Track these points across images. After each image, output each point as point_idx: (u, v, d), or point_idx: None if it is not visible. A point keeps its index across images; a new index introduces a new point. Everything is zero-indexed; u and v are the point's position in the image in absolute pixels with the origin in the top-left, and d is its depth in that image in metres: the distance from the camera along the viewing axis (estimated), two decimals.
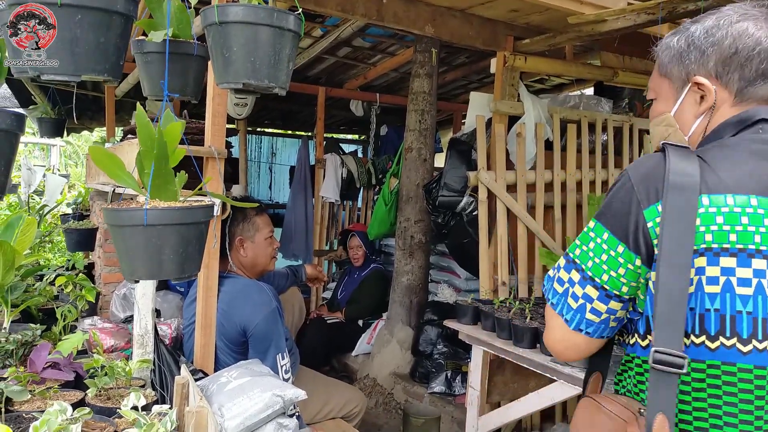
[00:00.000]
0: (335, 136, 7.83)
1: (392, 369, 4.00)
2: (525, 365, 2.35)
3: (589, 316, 1.05)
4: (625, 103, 3.83)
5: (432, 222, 3.69)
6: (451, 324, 2.75)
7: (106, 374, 1.92)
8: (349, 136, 8.56)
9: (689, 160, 1.00)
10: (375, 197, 5.63)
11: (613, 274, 1.02)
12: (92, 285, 2.76)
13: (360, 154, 7.00)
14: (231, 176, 5.43)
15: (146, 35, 1.68)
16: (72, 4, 1.14)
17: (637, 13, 2.44)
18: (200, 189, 1.57)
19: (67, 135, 6.72)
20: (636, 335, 1.06)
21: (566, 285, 1.08)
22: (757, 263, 0.95)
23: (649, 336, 1.03)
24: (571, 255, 1.09)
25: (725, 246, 0.96)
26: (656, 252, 0.98)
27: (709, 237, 0.96)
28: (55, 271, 3.24)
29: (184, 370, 2.03)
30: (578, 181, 3.28)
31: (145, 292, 2.18)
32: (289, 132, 8.03)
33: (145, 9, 1.64)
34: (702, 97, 1.09)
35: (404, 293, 4.09)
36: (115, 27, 1.22)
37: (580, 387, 2.11)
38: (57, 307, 2.46)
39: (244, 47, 1.21)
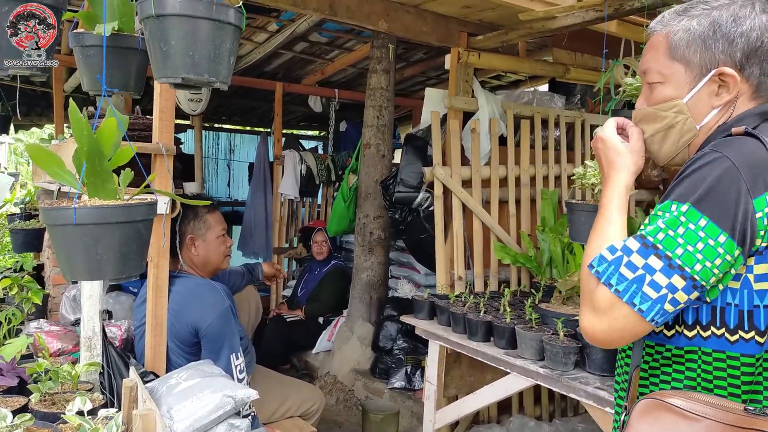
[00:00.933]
0: (294, 132, 7.77)
1: (353, 366, 3.99)
2: (479, 358, 2.37)
3: (667, 306, 0.96)
4: (578, 99, 3.90)
5: (389, 218, 3.69)
6: (407, 319, 2.76)
7: (50, 378, 1.86)
8: (309, 132, 8.51)
9: None
10: (334, 194, 5.60)
11: (708, 264, 0.94)
12: (39, 287, 2.67)
13: (319, 151, 6.96)
14: (182, 173, 5.33)
15: (84, 27, 1.62)
16: None
17: (585, 10, 2.49)
18: (146, 186, 1.53)
19: (15, 132, 6.48)
20: (703, 326, 1.01)
21: (640, 271, 0.96)
22: None
23: (730, 329, 0.99)
24: (650, 239, 0.97)
25: None
26: (761, 243, 0.95)
27: None
28: (1, 272, 3.12)
29: (133, 373, 1.98)
30: (532, 176, 3.33)
31: (91, 293, 2.12)
32: (248, 128, 7.93)
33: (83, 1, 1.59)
34: (720, 87, 1.05)
35: (364, 289, 4.09)
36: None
37: (532, 379, 2.14)
38: (1, 311, 2.36)
39: (183, 41, 1.18)
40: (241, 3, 1.25)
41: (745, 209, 0.93)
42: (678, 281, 0.95)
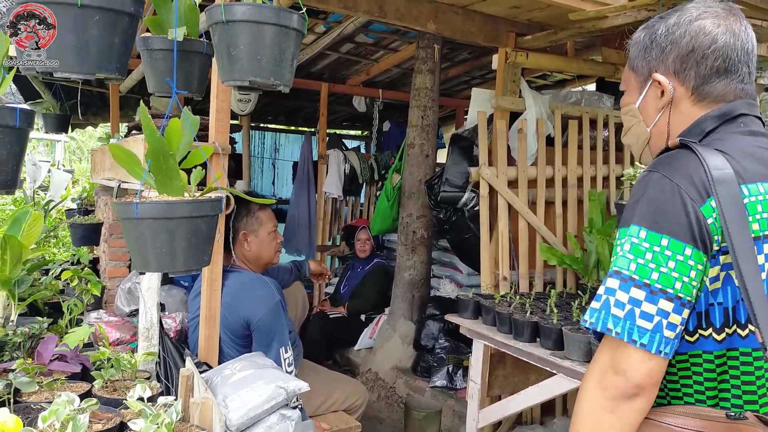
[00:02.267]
0: (338, 131, 7.85)
1: (394, 363, 4.03)
2: (525, 359, 2.37)
3: (666, 333, 0.96)
4: None
5: (434, 217, 3.71)
6: (452, 318, 2.78)
7: (112, 366, 1.95)
8: (352, 132, 8.59)
9: (714, 154, 1.00)
10: (377, 193, 5.65)
11: (685, 279, 0.96)
12: (97, 279, 2.79)
13: (363, 150, 7.02)
14: (234, 172, 5.47)
15: (150, 31, 1.70)
16: (88, 4, 1.17)
17: (638, 10, 2.46)
18: (206, 185, 1.60)
19: (72, 131, 6.76)
20: (704, 330, 1.02)
21: (629, 307, 0.97)
22: None
23: (727, 328, 1.01)
24: (625, 272, 0.99)
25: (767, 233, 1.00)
26: (714, 248, 0.98)
27: (756, 226, 0.99)
28: (60, 265, 3.27)
29: (189, 363, 2.06)
30: (579, 177, 3.30)
31: (150, 285, 2.21)
32: (293, 128, 8.06)
33: (150, 6, 1.67)
34: (662, 93, 1.12)
35: (406, 288, 4.12)
36: (123, 26, 1.25)
37: (579, 380, 2.14)
38: (63, 301, 2.49)
39: (250, 45, 1.23)
40: (304, 9, 1.29)
41: (697, 218, 0.96)
42: (665, 304, 0.96)
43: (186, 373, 1.91)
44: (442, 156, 4.61)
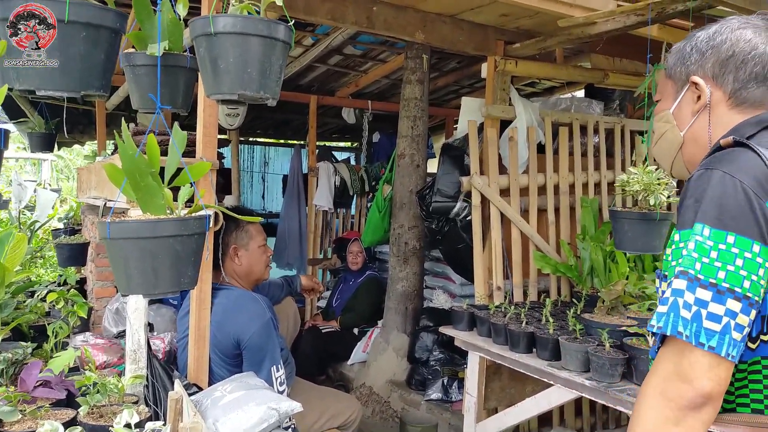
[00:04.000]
0: (327, 143, 7.82)
1: (388, 377, 3.98)
2: (522, 370, 2.33)
3: (734, 335, 0.92)
4: (617, 105, 3.84)
5: (426, 228, 3.68)
6: (447, 330, 2.74)
7: (98, 391, 1.89)
8: (341, 144, 8.56)
9: None
10: (368, 204, 5.61)
11: (753, 278, 0.93)
12: (84, 300, 2.73)
13: (353, 162, 6.99)
14: (223, 187, 5.41)
15: (135, 47, 1.67)
16: (74, 20, 1.13)
17: (627, 15, 2.45)
18: (192, 201, 1.56)
19: (58, 149, 6.69)
20: (764, 335, 0.99)
21: (695, 308, 0.93)
22: None
23: None
24: (691, 272, 0.95)
25: None
26: None
27: None
28: (46, 287, 3.20)
29: (178, 385, 2.00)
30: (571, 184, 3.28)
31: (137, 306, 2.16)
32: (282, 141, 8.03)
33: (133, 21, 1.63)
34: (698, 97, 1.13)
35: (399, 300, 4.07)
36: (107, 42, 1.22)
37: (576, 391, 2.10)
38: (48, 324, 2.42)
39: (239, 58, 1.20)
40: (292, 22, 1.26)
41: (764, 214, 0.94)
42: (734, 304, 0.92)
43: (175, 397, 1.85)
44: (432, 166, 4.59)
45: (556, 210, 3.21)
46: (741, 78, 1.09)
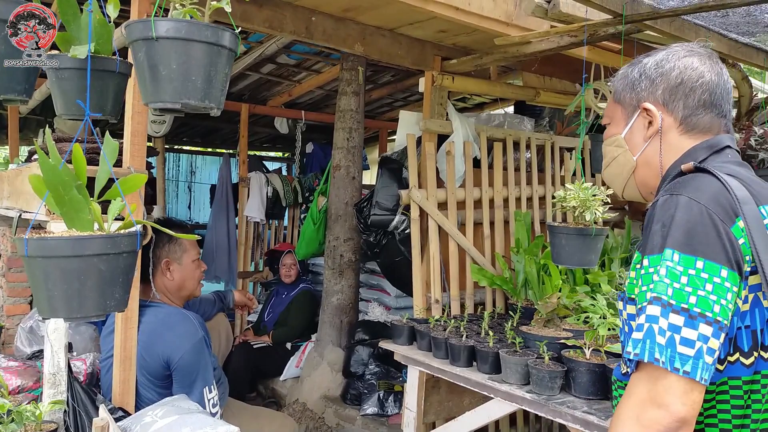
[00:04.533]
0: (258, 153, 7.66)
1: (323, 392, 3.90)
2: (462, 384, 2.34)
3: (707, 359, 0.93)
4: (546, 122, 3.97)
5: (363, 241, 3.64)
6: (386, 345, 2.71)
7: (12, 420, 1.74)
8: (273, 154, 8.41)
9: (730, 177, 1.03)
10: (302, 216, 5.52)
11: (723, 302, 0.94)
12: None
13: (284, 172, 6.88)
14: (150, 197, 5.18)
15: (58, 49, 1.54)
16: None
17: (561, 36, 2.53)
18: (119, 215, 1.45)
19: None
20: (731, 356, 1.01)
21: (669, 333, 0.94)
22: None
23: (755, 352, 1.00)
24: (663, 297, 0.95)
25: None
26: (746, 269, 0.97)
27: None
28: None
29: (103, 411, 1.87)
30: (505, 198, 3.35)
31: (57, 326, 2.00)
32: (210, 149, 7.79)
33: (58, 21, 1.51)
34: (650, 122, 1.17)
35: (334, 313, 4.01)
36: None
37: (516, 404, 2.12)
38: None
39: (183, 65, 1.12)
40: (239, 29, 1.20)
41: (729, 238, 0.97)
42: (705, 329, 0.93)
43: (100, 424, 1.73)
44: (367, 178, 4.58)
45: (491, 223, 3.27)
46: (690, 105, 1.13)
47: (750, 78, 3.46)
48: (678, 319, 0.94)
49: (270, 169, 6.10)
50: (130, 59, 1.82)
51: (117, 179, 1.40)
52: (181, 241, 2.37)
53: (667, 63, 1.15)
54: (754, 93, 3.55)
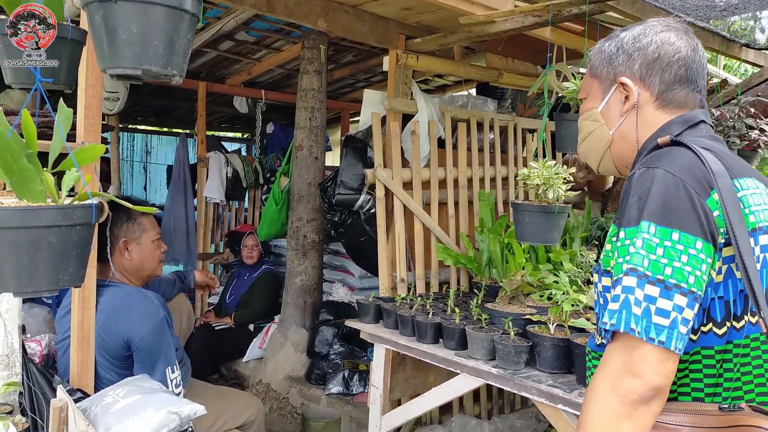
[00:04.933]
0: (216, 134, 7.49)
1: (287, 373, 3.88)
2: (429, 360, 2.35)
3: (681, 329, 0.94)
4: (508, 104, 4.00)
5: (328, 221, 3.62)
6: (353, 324, 2.71)
7: None
8: (231, 134, 8.24)
9: (705, 150, 1.04)
10: (263, 197, 5.44)
11: (697, 273, 0.95)
12: None
13: (244, 153, 6.75)
14: (106, 175, 5.03)
15: (4, 13, 1.46)
16: None
17: (525, 15, 2.54)
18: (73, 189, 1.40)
19: None
20: (704, 326, 1.03)
21: (645, 304, 0.95)
22: (764, 239, 1.05)
23: (728, 322, 1.02)
24: (639, 269, 0.97)
25: (760, 225, 1.04)
26: (720, 241, 0.99)
27: (752, 218, 1.03)
28: None
29: (61, 392, 1.81)
30: (469, 178, 3.37)
31: (9, 306, 1.92)
32: (165, 129, 7.58)
33: None
34: (626, 97, 1.17)
35: (298, 294, 3.99)
36: None
37: (483, 379, 2.15)
38: None
39: (143, 29, 1.07)
40: None
41: (704, 211, 0.98)
42: (680, 299, 0.95)
43: (58, 405, 1.67)
44: (329, 159, 4.54)
45: (456, 203, 3.28)
46: (666, 80, 1.14)
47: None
48: (654, 290, 0.95)
49: (229, 150, 5.98)
50: (83, 25, 1.75)
51: (72, 151, 1.34)
52: (140, 221, 2.29)
53: (644, 37, 1.16)
54: (710, 77, 3.65)
